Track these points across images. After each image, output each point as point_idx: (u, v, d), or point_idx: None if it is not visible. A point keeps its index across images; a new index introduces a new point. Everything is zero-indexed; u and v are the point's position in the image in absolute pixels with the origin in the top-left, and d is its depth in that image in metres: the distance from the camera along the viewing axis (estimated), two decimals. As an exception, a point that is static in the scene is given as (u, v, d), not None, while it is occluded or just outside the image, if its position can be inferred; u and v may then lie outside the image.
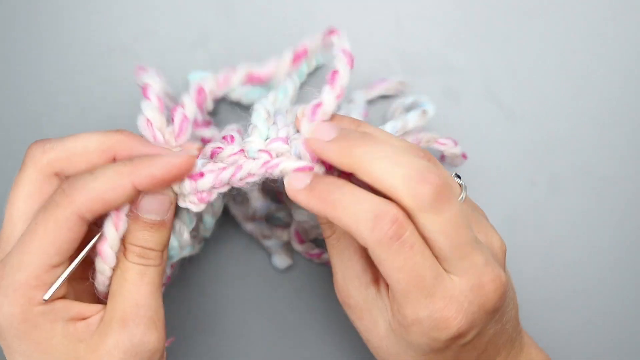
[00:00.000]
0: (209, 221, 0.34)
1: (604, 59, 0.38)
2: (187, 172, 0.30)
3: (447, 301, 0.27)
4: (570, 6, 0.38)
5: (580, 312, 0.37)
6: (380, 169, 0.28)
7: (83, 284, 0.30)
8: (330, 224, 0.31)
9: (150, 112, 0.30)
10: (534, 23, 0.38)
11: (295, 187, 0.29)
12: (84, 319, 0.29)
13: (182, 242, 0.32)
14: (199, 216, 0.34)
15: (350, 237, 0.30)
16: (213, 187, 0.30)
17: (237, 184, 0.30)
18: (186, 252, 0.33)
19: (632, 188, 0.38)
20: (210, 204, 0.32)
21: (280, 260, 0.37)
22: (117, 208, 0.29)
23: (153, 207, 0.30)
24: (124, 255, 0.29)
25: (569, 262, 0.37)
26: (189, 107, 0.31)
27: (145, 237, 0.30)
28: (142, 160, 0.29)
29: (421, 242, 0.27)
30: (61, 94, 0.38)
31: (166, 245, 0.30)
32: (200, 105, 0.34)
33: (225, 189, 0.30)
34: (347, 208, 0.27)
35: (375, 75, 0.37)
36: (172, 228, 0.31)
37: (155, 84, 0.30)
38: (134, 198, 0.29)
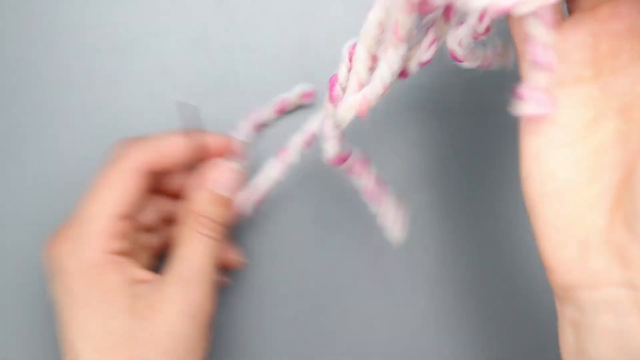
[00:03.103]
0: None
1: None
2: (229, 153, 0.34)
3: None
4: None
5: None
6: None
7: (139, 257, 0.33)
8: None
9: None
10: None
11: None
12: (141, 281, 0.30)
13: None
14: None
15: None
16: None
17: None
18: None
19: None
20: None
21: None
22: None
23: (222, 182, 0.32)
24: (192, 224, 0.31)
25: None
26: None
27: (214, 210, 0.32)
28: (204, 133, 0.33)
29: None
30: (61, 95, 0.38)
31: (229, 220, 0.33)
32: None
33: None
34: None
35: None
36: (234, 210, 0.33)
37: None
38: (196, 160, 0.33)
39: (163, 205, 0.35)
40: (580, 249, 0.24)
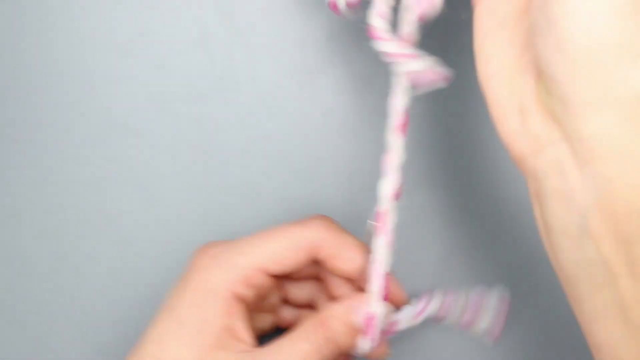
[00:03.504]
0: None
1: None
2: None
3: None
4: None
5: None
6: None
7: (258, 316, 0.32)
8: None
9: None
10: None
11: None
12: (237, 338, 0.29)
13: None
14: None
15: None
16: None
17: None
18: None
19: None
20: None
21: None
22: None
23: (366, 321, 0.30)
24: (312, 325, 0.30)
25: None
26: None
27: (340, 331, 0.30)
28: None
29: None
30: (61, 94, 0.38)
31: (336, 354, 0.30)
32: None
33: None
34: None
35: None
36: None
37: None
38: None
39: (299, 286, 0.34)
40: (521, 117, 0.25)
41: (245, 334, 0.30)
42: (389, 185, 0.29)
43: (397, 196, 0.30)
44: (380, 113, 0.37)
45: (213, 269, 0.30)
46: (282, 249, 0.30)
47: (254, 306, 0.31)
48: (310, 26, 0.37)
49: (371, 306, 0.30)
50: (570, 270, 0.24)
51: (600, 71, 0.22)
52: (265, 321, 0.33)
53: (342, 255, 0.31)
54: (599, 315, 0.23)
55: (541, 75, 0.24)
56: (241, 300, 0.30)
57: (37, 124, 0.37)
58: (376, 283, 0.30)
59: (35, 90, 0.38)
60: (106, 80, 0.37)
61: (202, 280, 0.29)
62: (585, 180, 0.22)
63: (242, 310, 0.30)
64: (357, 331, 0.30)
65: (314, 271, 0.33)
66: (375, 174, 0.38)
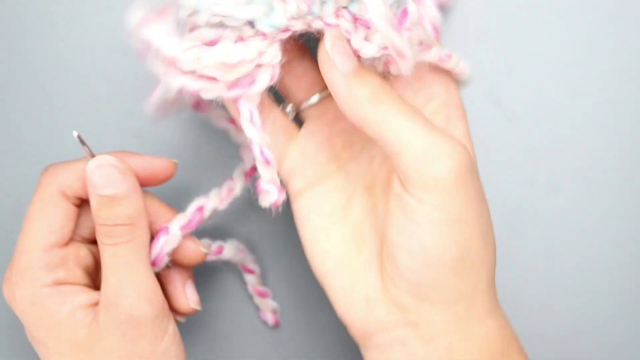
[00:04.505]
0: None
1: (605, 59, 0.38)
2: (165, 178, 0.31)
3: None
4: (570, 5, 0.38)
5: (579, 313, 0.38)
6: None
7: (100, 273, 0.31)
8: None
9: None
10: (534, 22, 0.38)
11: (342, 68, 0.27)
12: (93, 305, 0.29)
13: None
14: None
15: None
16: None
17: None
18: None
19: (632, 189, 0.38)
20: None
21: None
22: None
23: (101, 181, 0.29)
24: (98, 237, 0.29)
25: (568, 262, 0.38)
26: None
27: (106, 214, 0.29)
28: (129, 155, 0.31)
29: None
30: (61, 94, 0.38)
31: (136, 217, 0.29)
32: None
33: None
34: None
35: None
36: (138, 197, 0.30)
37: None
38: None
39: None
40: (365, 305, 0.29)
41: (94, 297, 0.29)
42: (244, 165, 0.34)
43: (249, 175, 0.34)
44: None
45: (15, 295, 0.29)
46: (45, 220, 0.30)
47: (83, 274, 0.31)
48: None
49: (171, 222, 0.31)
50: None
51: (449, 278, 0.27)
52: None
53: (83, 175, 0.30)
54: None
55: (394, 277, 0.27)
56: (62, 283, 0.29)
57: (37, 124, 0.38)
58: (190, 210, 0.32)
59: (36, 89, 0.38)
60: (106, 79, 0.37)
61: (22, 309, 0.29)
62: (429, 351, 0.27)
63: (70, 288, 0.29)
64: (108, 198, 0.29)
65: None
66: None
